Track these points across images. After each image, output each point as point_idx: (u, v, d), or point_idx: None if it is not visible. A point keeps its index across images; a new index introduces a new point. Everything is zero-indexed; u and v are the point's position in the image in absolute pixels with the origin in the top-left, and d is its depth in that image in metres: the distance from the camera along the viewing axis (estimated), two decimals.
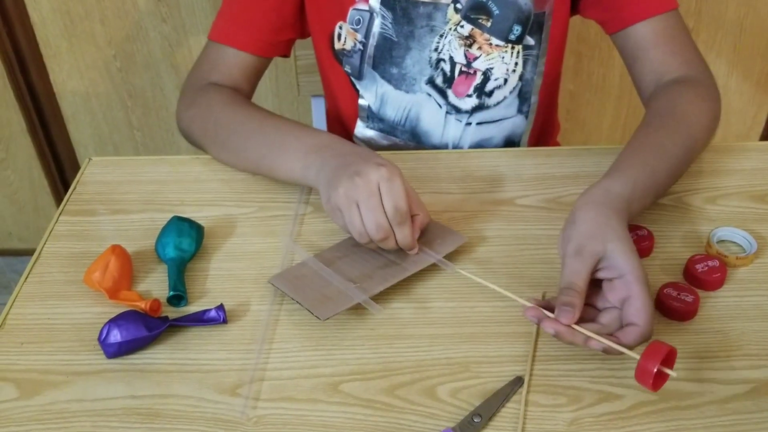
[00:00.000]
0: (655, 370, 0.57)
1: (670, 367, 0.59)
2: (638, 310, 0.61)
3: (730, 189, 0.85)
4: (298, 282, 0.71)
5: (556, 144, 1.14)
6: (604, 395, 0.62)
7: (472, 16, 0.90)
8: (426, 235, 0.74)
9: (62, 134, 1.70)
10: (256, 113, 0.86)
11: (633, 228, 0.76)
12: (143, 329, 0.65)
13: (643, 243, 0.75)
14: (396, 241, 0.71)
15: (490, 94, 0.96)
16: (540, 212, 0.82)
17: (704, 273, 0.72)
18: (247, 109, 0.87)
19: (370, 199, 0.68)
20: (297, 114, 1.67)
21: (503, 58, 0.93)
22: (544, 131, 1.07)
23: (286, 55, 0.98)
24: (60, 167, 1.75)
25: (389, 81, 0.95)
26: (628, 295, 0.62)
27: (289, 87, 1.61)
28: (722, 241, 0.78)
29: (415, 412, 0.61)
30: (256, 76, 0.95)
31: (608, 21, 0.91)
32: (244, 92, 0.93)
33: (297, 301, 0.69)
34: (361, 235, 0.69)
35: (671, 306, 0.68)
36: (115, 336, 0.65)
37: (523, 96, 0.98)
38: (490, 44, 0.91)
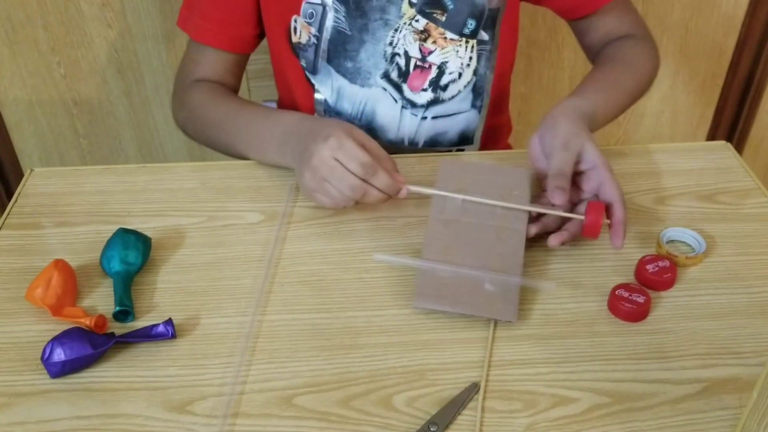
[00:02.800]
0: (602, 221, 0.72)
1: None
2: (613, 190, 0.74)
3: (678, 189, 0.86)
4: (444, 291, 0.70)
5: (508, 146, 1.15)
6: (559, 399, 0.62)
7: (426, 11, 0.90)
8: (493, 186, 0.79)
9: (5, 144, 1.65)
10: (230, 108, 0.90)
11: None
12: (88, 347, 0.63)
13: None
14: (381, 191, 0.74)
15: (444, 88, 0.96)
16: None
17: (655, 273, 0.72)
18: (223, 105, 0.91)
19: (334, 172, 0.73)
20: None
21: (457, 51, 0.94)
22: (496, 129, 1.08)
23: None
24: (4, 178, 1.70)
25: (344, 75, 0.95)
26: (601, 181, 0.74)
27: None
28: (672, 241, 0.79)
29: (371, 423, 0.60)
30: (238, 68, 0.99)
31: (569, 10, 0.99)
32: (230, 84, 0.98)
33: (474, 314, 0.69)
34: (345, 201, 0.75)
35: (623, 307, 0.69)
36: (59, 355, 0.63)
37: (477, 91, 0.98)
38: (445, 38, 0.92)
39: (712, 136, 1.80)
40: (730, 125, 1.80)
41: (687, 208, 0.83)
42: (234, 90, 0.99)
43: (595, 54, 0.99)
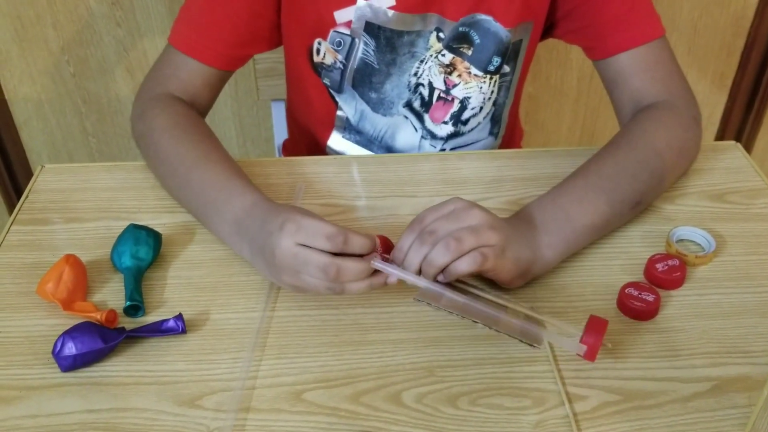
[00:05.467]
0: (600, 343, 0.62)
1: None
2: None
3: (688, 188, 0.86)
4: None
5: (519, 146, 1.15)
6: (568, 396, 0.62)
7: (454, 46, 0.89)
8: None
9: (15, 141, 1.66)
10: (189, 157, 0.79)
11: None
12: (99, 341, 0.64)
13: None
14: (357, 265, 0.64)
15: (465, 122, 0.96)
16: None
17: (664, 272, 0.72)
18: (182, 146, 0.80)
19: (297, 259, 0.64)
20: (257, 118, 1.66)
21: (481, 88, 0.93)
22: (509, 142, 1.08)
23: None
24: (12, 175, 1.71)
25: (367, 102, 0.94)
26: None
27: (249, 91, 1.60)
28: (682, 240, 0.79)
29: (380, 419, 0.60)
30: (219, 85, 0.91)
31: (591, 48, 0.90)
32: (204, 101, 0.90)
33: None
34: (329, 288, 0.64)
35: (633, 306, 0.69)
36: (70, 349, 0.63)
37: (495, 119, 0.98)
38: (470, 73, 0.91)
39: (721, 136, 1.80)
40: (739, 125, 1.80)
41: (697, 208, 0.83)
42: (206, 107, 0.91)
43: (624, 123, 0.88)
